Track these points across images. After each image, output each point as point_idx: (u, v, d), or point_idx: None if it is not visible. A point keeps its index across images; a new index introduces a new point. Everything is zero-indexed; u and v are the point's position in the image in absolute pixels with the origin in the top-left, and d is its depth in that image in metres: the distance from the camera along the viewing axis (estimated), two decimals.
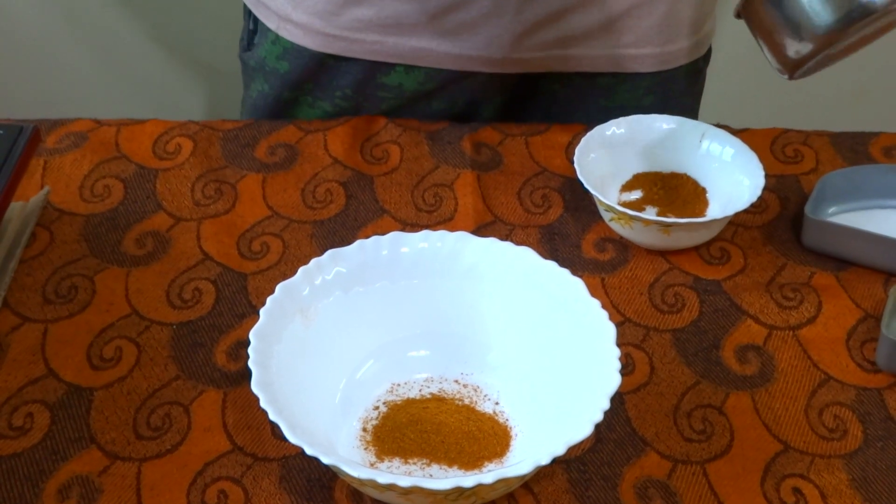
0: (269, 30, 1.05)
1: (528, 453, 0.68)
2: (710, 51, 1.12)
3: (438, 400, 0.72)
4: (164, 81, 1.72)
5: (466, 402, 0.72)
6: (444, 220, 0.90)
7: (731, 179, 0.89)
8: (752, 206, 0.85)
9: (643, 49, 1.03)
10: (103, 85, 1.70)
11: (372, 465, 0.67)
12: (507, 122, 1.02)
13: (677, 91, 1.08)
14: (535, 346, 0.72)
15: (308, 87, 1.05)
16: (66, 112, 1.01)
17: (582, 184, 0.85)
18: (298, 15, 1.01)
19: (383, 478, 0.57)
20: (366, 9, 0.98)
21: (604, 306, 0.68)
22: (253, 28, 1.08)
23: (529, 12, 0.97)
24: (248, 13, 1.09)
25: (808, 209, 0.86)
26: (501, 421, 0.71)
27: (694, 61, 1.08)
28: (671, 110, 0.95)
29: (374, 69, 1.02)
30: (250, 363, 0.64)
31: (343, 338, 0.72)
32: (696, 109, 1.15)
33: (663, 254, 0.87)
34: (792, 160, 0.97)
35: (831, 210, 0.90)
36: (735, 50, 1.21)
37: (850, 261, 0.86)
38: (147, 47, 1.67)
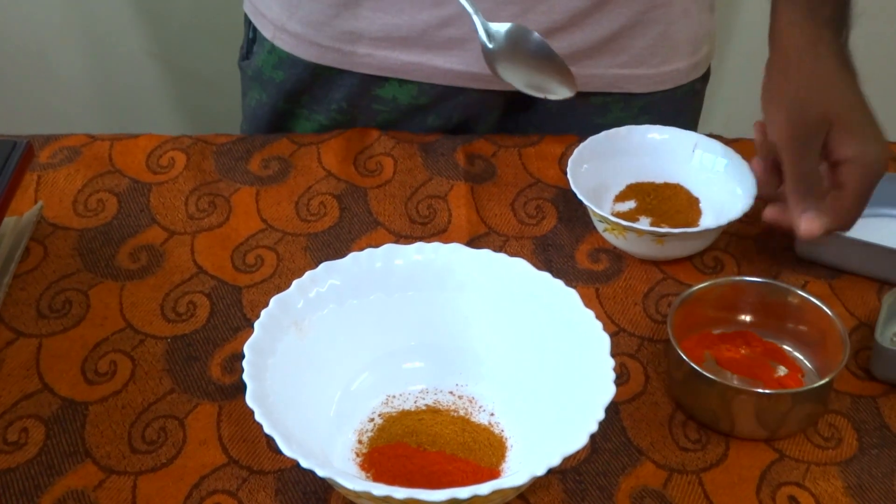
0: (265, 39, 1.05)
1: (523, 464, 0.68)
2: (708, 72, 1.12)
3: (433, 411, 0.72)
4: (164, 91, 1.72)
5: (461, 413, 0.72)
6: (438, 232, 0.90)
7: (725, 189, 0.89)
8: (746, 215, 0.85)
9: (637, 69, 1.03)
10: (101, 94, 1.70)
11: (367, 477, 0.67)
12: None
13: (672, 111, 1.08)
14: (530, 357, 0.72)
15: (304, 99, 1.05)
16: (63, 127, 1.01)
17: (575, 194, 0.85)
18: (293, 25, 1.01)
19: (379, 490, 0.57)
20: (357, 21, 0.98)
21: (598, 317, 0.69)
22: (252, 37, 1.09)
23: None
24: (248, 22, 1.09)
25: None
26: (497, 432, 0.71)
27: (690, 82, 1.08)
28: None
29: (369, 82, 1.02)
30: (245, 376, 0.64)
31: (338, 350, 0.72)
32: (693, 130, 1.15)
33: (657, 264, 0.87)
34: None
35: None
36: (728, 61, 1.22)
37: (844, 270, 0.86)
38: (147, 57, 1.67)
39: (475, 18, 0.85)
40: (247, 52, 1.11)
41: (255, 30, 1.08)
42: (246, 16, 1.10)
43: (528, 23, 0.96)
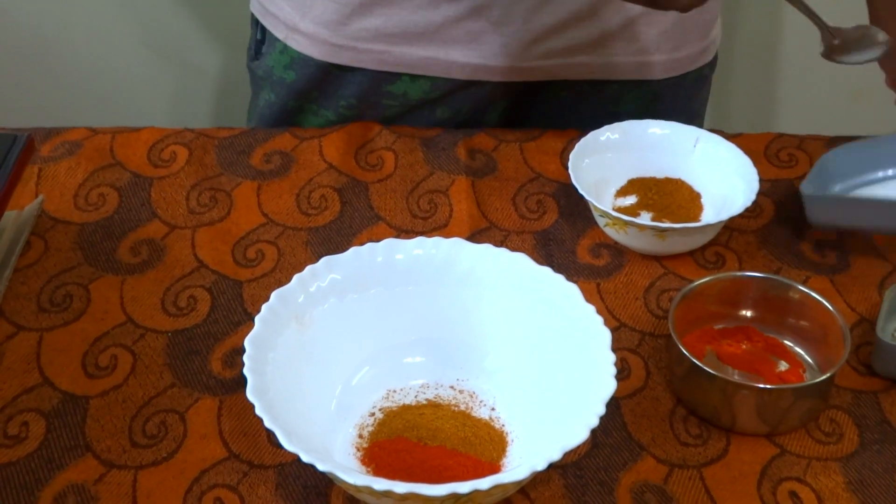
0: (276, 39, 1.05)
1: (524, 459, 0.68)
2: (716, 57, 1.13)
3: (434, 406, 0.72)
4: (167, 91, 1.72)
5: (462, 407, 0.72)
6: (439, 227, 0.90)
7: (726, 184, 0.89)
8: (747, 210, 0.85)
9: (651, 56, 1.03)
10: (105, 95, 1.70)
11: (368, 471, 0.67)
12: (511, 128, 1.02)
13: (684, 97, 1.09)
14: (531, 352, 0.72)
15: (313, 95, 1.05)
16: (64, 122, 1.01)
17: (576, 189, 0.85)
18: (306, 25, 1.01)
19: (379, 484, 0.57)
20: (373, 19, 0.98)
21: (599, 311, 0.68)
22: (260, 38, 1.09)
23: (537, 21, 0.97)
24: (256, 23, 1.09)
25: (805, 188, 0.84)
26: (497, 426, 0.71)
27: (700, 67, 1.09)
28: (678, 116, 0.96)
29: (380, 79, 1.02)
30: (245, 370, 0.64)
31: (338, 344, 0.72)
32: (702, 115, 1.15)
33: (658, 259, 0.87)
34: (786, 164, 0.98)
35: (837, 188, 0.87)
36: (729, 59, 1.22)
37: (857, 230, 0.84)
38: (149, 57, 1.67)
39: (820, 22, 0.86)
40: (255, 53, 1.10)
41: (263, 30, 1.08)
42: (253, 16, 1.09)
43: (546, 14, 0.96)
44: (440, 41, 0.99)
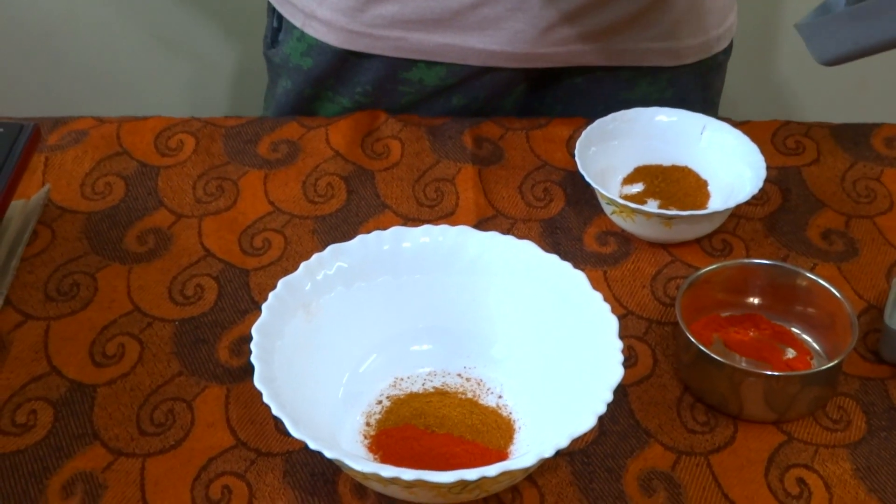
0: (294, 27, 1.05)
1: (531, 446, 0.68)
2: (731, 45, 1.12)
3: (441, 394, 0.72)
4: (179, 82, 1.72)
5: (469, 395, 0.72)
6: (446, 215, 0.90)
7: (733, 171, 0.89)
8: (754, 197, 0.85)
9: (665, 43, 1.03)
10: (116, 87, 1.70)
11: (375, 459, 0.67)
12: (527, 114, 1.02)
13: (699, 84, 1.08)
14: (538, 340, 0.72)
15: (330, 82, 1.05)
16: (79, 114, 1.01)
17: (583, 177, 0.85)
18: (323, 12, 1.01)
19: (387, 471, 0.57)
20: (390, 5, 0.98)
21: (606, 299, 0.68)
22: (277, 26, 1.09)
23: (553, 8, 0.97)
24: (273, 11, 1.09)
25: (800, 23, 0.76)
26: (505, 414, 0.71)
27: (714, 55, 1.08)
28: (692, 103, 0.95)
29: (396, 65, 1.02)
30: (253, 358, 0.64)
31: (345, 332, 0.72)
32: (716, 103, 1.15)
33: (665, 246, 0.87)
34: (793, 152, 0.97)
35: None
36: (736, 47, 1.22)
37: (868, 50, 0.75)
38: (161, 47, 1.67)
39: None
40: (272, 41, 1.10)
41: (279, 18, 1.08)
42: (269, 4, 1.10)
43: (562, 0, 0.96)
44: (456, 28, 0.99)
